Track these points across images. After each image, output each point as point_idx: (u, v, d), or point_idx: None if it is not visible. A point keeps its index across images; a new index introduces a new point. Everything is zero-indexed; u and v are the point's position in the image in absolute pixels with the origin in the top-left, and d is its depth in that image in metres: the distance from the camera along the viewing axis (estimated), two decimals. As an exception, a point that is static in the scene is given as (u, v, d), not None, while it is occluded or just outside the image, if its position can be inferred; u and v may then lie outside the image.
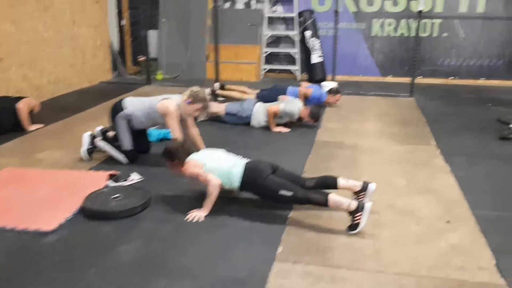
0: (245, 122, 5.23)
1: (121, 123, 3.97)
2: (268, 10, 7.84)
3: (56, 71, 6.60)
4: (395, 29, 7.62)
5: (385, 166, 4.02)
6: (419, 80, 7.61)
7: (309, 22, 7.59)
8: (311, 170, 3.88)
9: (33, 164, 4.05)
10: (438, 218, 3.09)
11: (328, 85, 6.53)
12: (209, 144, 4.25)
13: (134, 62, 8.65)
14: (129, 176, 3.69)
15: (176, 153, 3.24)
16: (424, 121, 5.39)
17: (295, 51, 7.86)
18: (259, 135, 4.91)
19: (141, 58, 8.34)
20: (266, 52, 7.96)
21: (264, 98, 5.78)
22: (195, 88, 3.91)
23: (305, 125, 5.22)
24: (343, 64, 7.81)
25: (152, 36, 8.25)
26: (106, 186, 3.51)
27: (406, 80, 6.97)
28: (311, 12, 7.63)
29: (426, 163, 4.08)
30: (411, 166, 4.01)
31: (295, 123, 5.23)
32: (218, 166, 3.16)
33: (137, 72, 8.47)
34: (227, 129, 5.12)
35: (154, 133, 4.72)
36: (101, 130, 4.26)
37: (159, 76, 8.00)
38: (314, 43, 7.64)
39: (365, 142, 4.67)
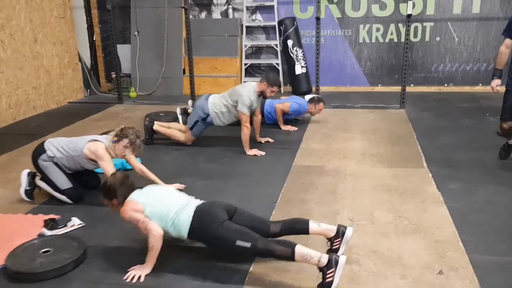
0: (208, 123, 4.70)
1: (45, 165, 3.48)
2: (246, 19, 7.35)
3: (17, 94, 6.09)
4: (384, 34, 7.11)
5: (369, 196, 3.49)
6: (411, 88, 7.11)
7: (290, 30, 7.08)
8: (284, 205, 3.35)
9: (-35, 207, 3.52)
10: (428, 268, 2.55)
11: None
12: (168, 175, 3.74)
13: (107, 79, 8.14)
14: (70, 220, 3.16)
15: (115, 190, 2.70)
16: (414, 138, 4.86)
17: (278, 62, 7.35)
18: (230, 161, 4.38)
19: (114, 75, 7.83)
20: (246, 64, 7.45)
21: None
22: (123, 127, 3.50)
23: (283, 146, 4.70)
24: (328, 74, 7.31)
25: (123, 51, 7.74)
26: (40, 235, 2.99)
27: (397, 89, 6.45)
28: (293, 19, 7.12)
29: (416, 191, 3.55)
30: (399, 195, 3.48)
31: (272, 144, 4.73)
32: (162, 210, 2.63)
33: (111, 89, 7.95)
34: (194, 154, 4.59)
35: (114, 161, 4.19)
36: (29, 173, 3.66)
37: (133, 93, 7.49)
38: (297, 52, 7.13)
39: (349, 165, 4.14)
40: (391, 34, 7.09)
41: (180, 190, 3.41)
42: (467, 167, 4.00)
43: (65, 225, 3.10)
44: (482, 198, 3.39)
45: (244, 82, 7.42)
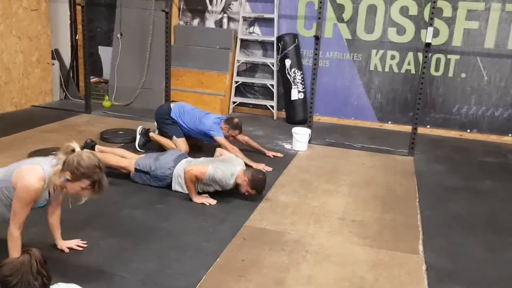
0: (162, 183, 3.71)
1: None
2: (242, 31, 6.37)
3: (-40, 91, 5.25)
4: (400, 64, 6.02)
5: (329, 295, 2.42)
6: (426, 130, 5.99)
7: (290, 48, 6.07)
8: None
9: None
10: None
11: (300, 132, 4.97)
12: (76, 224, 2.71)
13: (86, 83, 7.26)
14: None
15: (9, 281, 1.70)
16: (416, 202, 3.74)
17: (272, 83, 6.34)
18: (165, 209, 3.36)
19: (94, 79, 6.96)
20: (237, 82, 6.45)
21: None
22: (73, 151, 2.32)
23: (240, 193, 3.66)
24: (330, 103, 6.25)
25: (104, 53, 6.88)
26: None
27: (409, 129, 5.32)
28: (294, 36, 6.11)
29: (398, 294, 2.46)
30: (372, 300, 2.40)
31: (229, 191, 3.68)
32: None
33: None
34: (128, 193, 3.59)
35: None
36: None
37: (106, 102, 6.58)
38: (295, 74, 6.11)
39: (318, 235, 3.07)
40: (409, 64, 5.99)
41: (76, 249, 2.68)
42: (480, 259, 2.88)
43: None
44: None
45: (233, 102, 6.49)
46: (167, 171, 3.66)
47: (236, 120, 4.51)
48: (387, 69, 6.08)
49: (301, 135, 4.92)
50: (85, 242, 2.76)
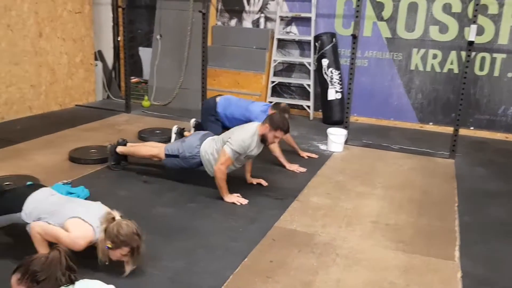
0: (192, 165, 3.73)
1: (4, 219, 2.61)
2: (279, 31, 6.34)
3: (8, 92, 5.49)
4: (442, 63, 5.81)
5: (358, 300, 2.36)
6: (470, 132, 5.76)
7: (327, 48, 5.98)
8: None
9: None
10: None
11: (335, 133, 4.89)
12: None
13: (127, 83, 7.45)
14: None
15: (38, 277, 1.77)
16: (455, 207, 3.60)
17: (309, 83, 6.27)
18: (196, 208, 3.39)
19: (134, 80, 7.14)
20: (273, 82, 6.43)
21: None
22: (114, 219, 2.41)
23: (275, 195, 3.63)
24: (369, 103, 6.13)
25: (145, 54, 7.03)
26: None
27: (451, 130, 5.11)
28: (332, 35, 6.02)
29: (431, 302, 2.37)
30: (402, 307, 2.32)
31: (262, 189, 3.68)
32: None
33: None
34: (159, 191, 3.65)
35: (60, 189, 3.34)
36: None
37: (146, 102, 6.72)
38: (332, 74, 6.02)
39: (349, 238, 3.01)
40: (451, 63, 5.77)
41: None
42: (521, 269, 2.73)
43: None
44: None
45: (270, 102, 6.46)
46: (194, 150, 3.67)
47: (283, 104, 4.47)
48: (428, 69, 5.88)
49: (336, 135, 4.84)
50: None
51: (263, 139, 3.55)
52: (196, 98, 6.60)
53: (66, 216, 2.42)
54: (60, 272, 1.79)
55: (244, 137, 3.49)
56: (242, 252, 2.76)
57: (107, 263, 2.43)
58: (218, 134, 4.41)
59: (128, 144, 4.11)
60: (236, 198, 3.50)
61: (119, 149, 3.98)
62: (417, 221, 3.31)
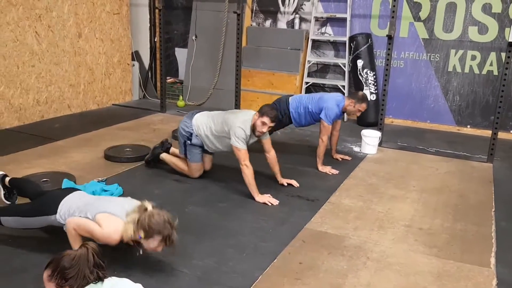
0: (197, 145, 3.84)
1: (39, 221, 2.67)
2: (314, 32, 6.30)
3: (48, 91, 5.69)
4: (481, 64, 5.64)
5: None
6: (509, 135, 5.57)
7: (362, 48, 5.90)
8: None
9: None
10: None
11: (369, 135, 4.82)
12: None
13: (163, 84, 7.59)
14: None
15: (67, 274, 1.82)
16: (491, 212, 3.48)
17: (344, 84, 6.21)
18: (226, 207, 3.41)
19: (170, 80, 7.27)
20: (307, 82, 6.40)
21: None
22: (146, 210, 2.44)
23: (306, 196, 3.62)
24: (405, 105, 6.01)
25: (180, 55, 7.14)
26: None
27: (490, 134, 4.95)
28: (367, 36, 5.94)
29: (464, 310, 2.30)
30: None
31: (293, 190, 3.67)
32: None
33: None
34: (190, 191, 3.70)
35: (90, 188, 3.44)
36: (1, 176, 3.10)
37: (180, 102, 6.83)
38: (367, 75, 5.94)
39: (381, 242, 2.96)
40: (491, 64, 5.59)
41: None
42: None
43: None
44: None
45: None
46: (189, 129, 3.83)
47: (360, 93, 4.44)
48: (467, 70, 5.72)
49: (370, 137, 4.77)
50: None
51: (253, 129, 3.60)
52: (230, 98, 6.65)
53: (95, 211, 2.48)
54: (88, 270, 1.81)
55: (242, 125, 3.56)
56: (271, 252, 2.76)
57: (141, 253, 2.46)
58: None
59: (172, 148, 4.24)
60: (267, 199, 3.51)
61: (162, 155, 4.09)
62: (452, 226, 3.22)
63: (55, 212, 2.58)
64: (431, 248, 2.90)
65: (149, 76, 7.48)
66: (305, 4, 6.40)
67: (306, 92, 6.46)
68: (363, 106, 4.28)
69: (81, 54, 6.06)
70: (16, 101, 5.30)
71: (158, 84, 7.54)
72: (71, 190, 2.77)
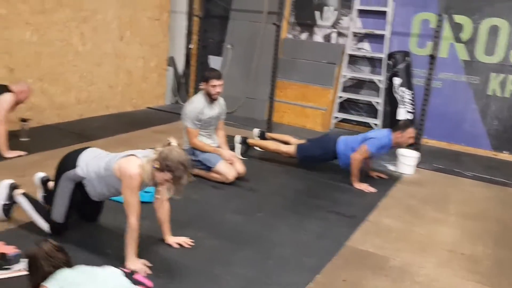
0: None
1: (65, 185, 2.77)
2: (351, 47, 6.30)
3: (89, 90, 5.80)
4: (523, 89, 5.56)
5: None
6: (549, 164, 5.44)
7: (400, 66, 5.87)
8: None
9: None
10: None
11: (407, 154, 4.77)
12: (182, 221, 2.86)
13: (196, 90, 7.66)
14: (18, 262, 2.46)
15: (35, 265, 1.93)
16: (536, 242, 3.41)
17: (379, 101, 6.17)
18: (264, 217, 3.40)
19: (201, 87, 7.31)
20: (341, 97, 6.38)
21: (305, 152, 4.47)
22: (169, 145, 2.52)
23: (343, 212, 3.59)
24: (440, 126, 5.94)
25: (214, 62, 7.20)
26: (-24, 273, 2.34)
27: (528, 161, 4.86)
28: (406, 54, 5.91)
29: None
30: None
31: (330, 205, 3.65)
32: None
33: (197, 100, 7.45)
34: (235, 196, 3.71)
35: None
36: (42, 178, 3.14)
37: (213, 109, 6.86)
38: (404, 93, 5.89)
39: (425, 265, 2.91)
40: (533, 90, 5.51)
41: (184, 246, 2.85)
42: None
43: (10, 268, 2.41)
44: None
45: (336, 117, 6.43)
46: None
47: (401, 121, 4.73)
48: (507, 95, 5.63)
49: (408, 157, 4.72)
50: (193, 240, 2.88)
51: (209, 96, 4.05)
52: (262, 108, 6.70)
53: (119, 156, 2.62)
54: (58, 254, 1.95)
55: (190, 106, 4.06)
56: (314, 267, 2.74)
57: (150, 186, 2.61)
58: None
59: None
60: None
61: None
62: (495, 253, 3.16)
63: (74, 166, 2.72)
64: (475, 275, 2.84)
65: (182, 81, 7.55)
66: (343, 19, 6.40)
67: (339, 107, 6.45)
68: (410, 131, 4.28)
69: (121, 57, 6.17)
70: (58, 99, 5.41)
71: (191, 89, 7.61)
72: (84, 148, 2.89)
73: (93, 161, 2.73)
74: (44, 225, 2.84)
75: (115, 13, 5.93)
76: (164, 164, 2.44)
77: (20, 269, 2.41)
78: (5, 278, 2.34)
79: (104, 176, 2.66)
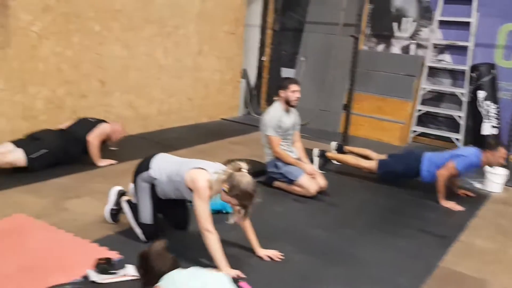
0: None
1: (142, 186, 2.94)
2: (431, 59, 6.11)
3: (169, 102, 6.04)
4: None
5: None
6: None
7: (485, 79, 5.62)
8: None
9: (54, 213, 3.28)
10: None
11: (496, 172, 4.53)
12: (270, 233, 2.90)
13: (268, 102, 7.75)
14: (123, 267, 2.60)
15: (148, 265, 2.03)
16: None
17: (461, 115, 5.93)
18: (353, 235, 3.35)
19: (276, 98, 7.38)
20: (420, 110, 6.20)
21: (386, 168, 4.32)
22: (240, 170, 2.56)
23: (432, 231, 3.47)
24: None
25: (287, 74, 7.25)
26: (84, 277, 2.49)
27: None
28: (491, 66, 5.65)
29: None
30: None
31: (417, 223, 3.54)
32: None
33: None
34: (320, 211, 3.69)
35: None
36: (119, 191, 3.29)
37: (286, 121, 6.90)
38: (489, 107, 5.63)
39: (526, 291, 2.75)
40: None
41: (275, 260, 2.86)
42: None
43: (115, 272, 2.54)
44: None
45: (414, 131, 6.25)
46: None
47: (491, 141, 4.67)
48: None
49: (497, 175, 4.49)
50: (282, 254, 2.90)
51: (287, 104, 4.10)
52: (335, 120, 6.65)
53: (191, 166, 2.71)
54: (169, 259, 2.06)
55: (269, 115, 4.10)
56: (408, 288, 2.67)
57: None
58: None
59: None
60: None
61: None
62: None
63: (148, 169, 2.87)
64: None
65: (254, 93, 7.66)
66: (422, 30, 6.24)
67: (418, 121, 6.26)
68: (503, 152, 4.08)
69: (199, 70, 6.37)
70: (143, 110, 5.68)
71: (262, 101, 7.72)
72: (155, 153, 3.02)
73: (165, 165, 2.88)
74: (137, 231, 2.97)
75: (195, 28, 6.15)
76: (234, 191, 2.52)
77: (125, 274, 2.54)
78: (112, 283, 2.47)
79: (174, 181, 2.79)
